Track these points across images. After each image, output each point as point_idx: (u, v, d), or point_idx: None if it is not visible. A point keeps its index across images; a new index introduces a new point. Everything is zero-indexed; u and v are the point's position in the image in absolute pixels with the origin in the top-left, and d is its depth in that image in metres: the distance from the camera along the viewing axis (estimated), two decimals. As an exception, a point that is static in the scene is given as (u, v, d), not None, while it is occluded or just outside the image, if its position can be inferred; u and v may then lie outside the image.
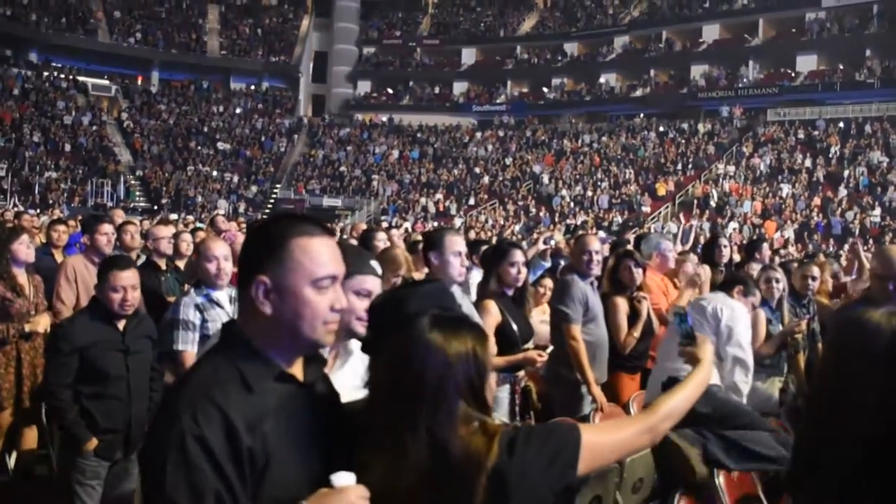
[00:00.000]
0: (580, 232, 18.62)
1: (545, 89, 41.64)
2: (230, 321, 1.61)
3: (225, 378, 1.45)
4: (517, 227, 26.97)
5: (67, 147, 33.41)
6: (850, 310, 2.04)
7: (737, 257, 7.63)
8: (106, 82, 40.52)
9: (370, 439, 1.51)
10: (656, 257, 5.43)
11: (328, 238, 1.57)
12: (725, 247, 6.48)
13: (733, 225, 25.21)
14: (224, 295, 3.96)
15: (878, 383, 1.68)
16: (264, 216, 29.93)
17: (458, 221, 29.18)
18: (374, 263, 2.38)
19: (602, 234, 20.67)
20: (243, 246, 1.60)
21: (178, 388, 1.50)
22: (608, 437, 1.64)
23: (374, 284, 2.45)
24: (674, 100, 36.59)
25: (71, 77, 38.53)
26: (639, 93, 38.50)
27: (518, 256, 4.08)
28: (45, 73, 37.92)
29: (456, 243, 3.73)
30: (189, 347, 3.77)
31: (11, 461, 4.99)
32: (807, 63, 34.25)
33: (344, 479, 1.42)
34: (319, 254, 1.53)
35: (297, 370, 1.57)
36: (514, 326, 4.00)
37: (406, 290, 1.65)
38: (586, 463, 1.55)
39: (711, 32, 37.70)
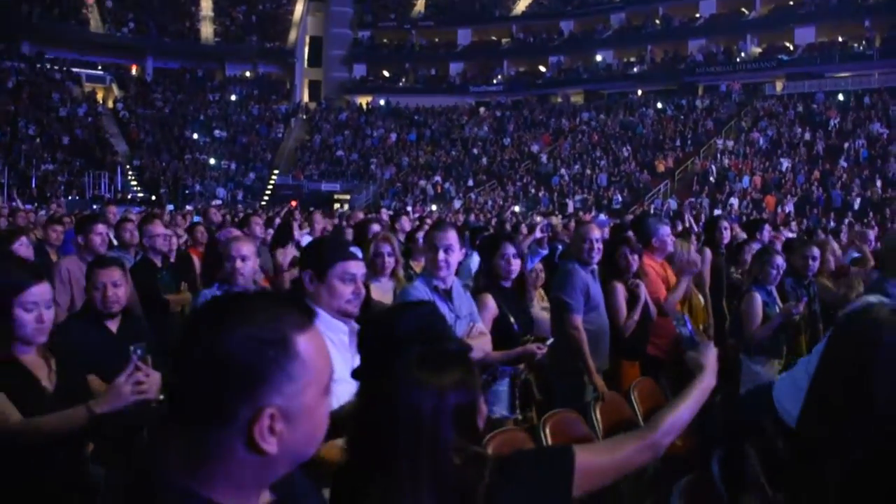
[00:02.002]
0: (580, 215, 18.58)
1: (542, 68, 41.38)
2: (155, 476, 1.07)
3: None
4: (517, 208, 26.89)
5: (64, 139, 33.29)
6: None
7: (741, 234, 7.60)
8: (100, 72, 40.32)
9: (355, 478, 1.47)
10: (654, 242, 5.39)
11: (312, 321, 1.12)
12: (726, 228, 6.47)
13: (733, 200, 25.14)
14: None
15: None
16: (262, 204, 29.91)
17: (457, 203, 29.11)
18: (355, 249, 2.44)
19: (602, 216, 20.65)
20: (192, 360, 1.05)
21: None
22: (605, 458, 1.60)
23: (357, 268, 2.67)
24: (672, 76, 36.36)
25: (64, 68, 38.33)
26: (636, 70, 38.26)
27: (508, 249, 4.05)
28: (38, 66, 37.70)
29: (439, 238, 3.63)
30: None
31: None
32: (805, 35, 33.99)
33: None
34: (325, 350, 1.11)
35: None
36: (512, 319, 3.98)
37: (396, 314, 1.62)
38: (582, 485, 1.51)
39: (708, 7, 37.43)
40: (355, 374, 1.60)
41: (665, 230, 5.47)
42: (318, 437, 1.11)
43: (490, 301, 3.89)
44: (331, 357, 1.12)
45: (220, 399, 1.01)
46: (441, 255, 3.55)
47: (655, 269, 5.25)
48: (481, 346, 3.35)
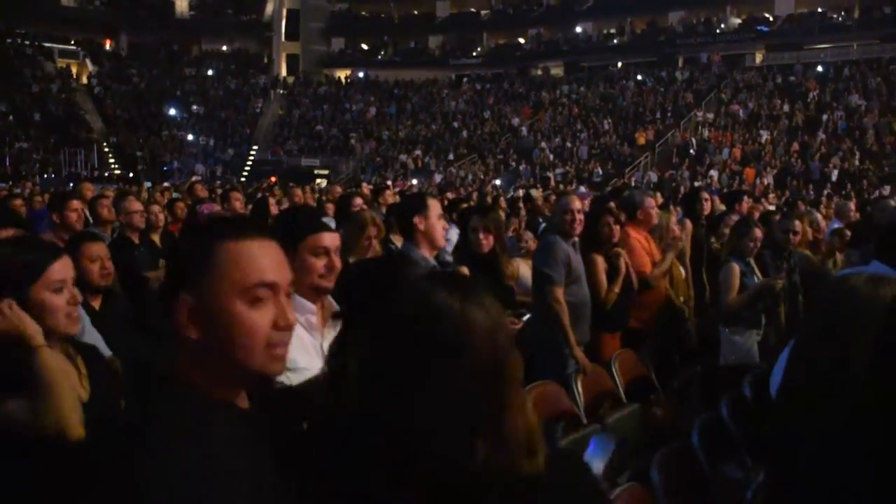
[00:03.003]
0: (560, 189, 18.59)
1: (521, 40, 41.12)
2: (161, 365, 1.32)
3: (170, 458, 1.16)
4: (498, 181, 26.85)
5: (37, 116, 32.70)
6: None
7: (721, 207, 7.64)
8: (73, 48, 39.55)
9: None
10: (640, 214, 5.39)
11: (266, 241, 1.30)
12: (706, 200, 6.49)
13: (713, 172, 25.26)
14: None
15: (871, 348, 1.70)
16: (242, 178, 29.68)
17: (437, 177, 29.02)
18: (327, 219, 2.34)
19: (583, 188, 20.67)
20: (168, 260, 1.35)
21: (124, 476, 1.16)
22: None
23: (331, 240, 2.41)
24: (652, 48, 36.27)
25: (36, 43, 37.53)
26: (616, 41, 38.11)
27: (475, 222, 4.11)
28: (9, 40, 36.88)
29: (438, 207, 3.74)
30: None
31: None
32: (785, 6, 33.97)
33: None
34: (252, 259, 1.26)
35: (242, 398, 1.32)
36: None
37: (384, 261, 1.59)
38: None
39: (689, -23, 37.26)
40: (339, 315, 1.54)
41: (650, 202, 5.48)
42: (246, 342, 1.24)
43: (464, 272, 3.91)
44: (254, 267, 1.26)
45: (168, 287, 1.28)
46: (438, 221, 3.63)
47: (640, 242, 5.26)
48: None
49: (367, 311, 1.43)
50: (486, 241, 4.15)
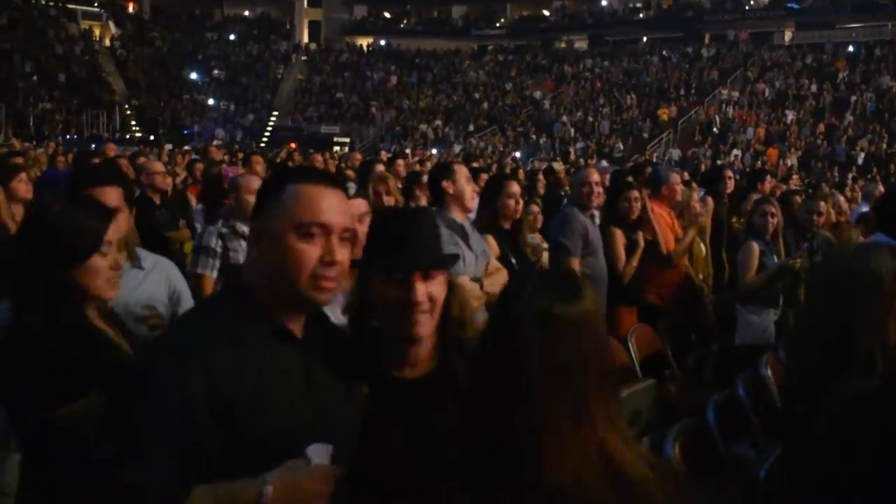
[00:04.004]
0: (581, 163, 18.45)
1: (546, 12, 40.57)
2: (236, 268, 1.64)
3: (217, 327, 1.42)
4: (517, 154, 26.69)
5: (60, 77, 32.81)
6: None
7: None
8: (96, 10, 39.51)
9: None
10: (664, 190, 5.34)
11: (331, 188, 1.48)
12: (731, 178, 6.41)
13: (736, 152, 24.94)
14: None
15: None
16: (262, 144, 29.73)
17: (457, 148, 28.89)
18: (350, 184, 2.41)
19: (605, 162, 20.50)
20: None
21: (172, 330, 1.53)
22: None
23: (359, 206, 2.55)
24: (678, 23, 35.66)
25: (60, 4, 37.54)
26: (642, 16, 37.51)
27: (514, 188, 4.07)
28: (33, 2, 36.90)
29: (465, 170, 3.85)
30: (208, 272, 3.86)
31: None
32: (818, -18, 33.22)
33: (318, 451, 1.33)
34: (311, 200, 1.44)
35: (297, 326, 1.50)
36: (514, 260, 4.01)
37: (400, 209, 1.62)
38: None
39: (719, -49, 36.47)
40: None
41: (675, 178, 5.43)
42: (293, 270, 1.42)
43: (493, 242, 3.90)
44: (311, 207, 1.43)
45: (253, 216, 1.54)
46: (467, 185, 3.69)
47: (664, 218, 5.22)
48: (499, 280, 3.39)
49: (383, 256, 1.56)
50: (520, 209, 4.18)
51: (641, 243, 4.82)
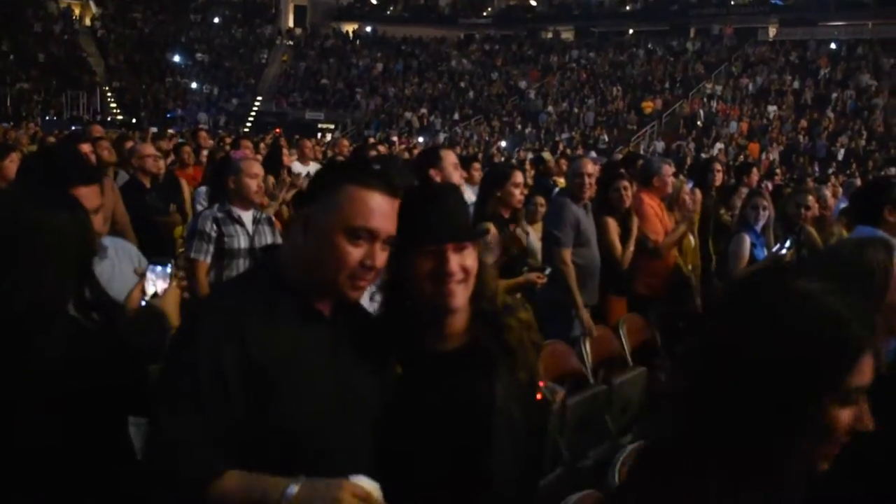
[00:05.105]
0: (568, 153, 18.50)
1: (533, 2, 40.52)
2: (273, 245, 1.70)
3: (250, 302, 1.49)
4: (503, 143, 26.70)
5: (40, 57, 32.29)
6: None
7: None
8: (76, -13, 38.91)
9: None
10: (655, 182, 5.37)
11: (385, 195, 1.52)
12: (719, 171, 6.44)
13: (719, 145, 25.12)
14: (249, 215, 3.99)
15: None
16: (246, 129, 29.51)
17: (442, 137, 28.85)
18: None
19: (593, 153, 20.57)
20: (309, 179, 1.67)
21: (207, 303, 1.59)
22: None
23: None
24: (664, 16, 35.78)
25: (38, -19, 36.89)
26: (628, 8, 37.59)
27: (520, 178, 4.10)
28: (11, -23, 36.22)
29: (452, 156, 3.83)
30: (202, 257, 3.83)
31: None
32: (802, -20, 33.44)
33: (363, 482, 1.37)
34: (364, 204, 1.49)
35: (326, 307, 1.57)
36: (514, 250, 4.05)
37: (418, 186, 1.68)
38: None
39: (705, -54, 36.58)
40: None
41: (667, 170, 5.44)
42: (334, 266, 1.49)
43: (493, 229, 3.91)
44: (363, 212, 1.48)
45: (301, 200, 1.65)
46: (454, 171, 3.74)
47: (654, 210, 5.25)
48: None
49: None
50: (522, 199, 4.20)
51: (636, 231, 4.87)
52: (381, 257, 1.52)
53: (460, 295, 1.62)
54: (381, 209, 1.51)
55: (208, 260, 3.84)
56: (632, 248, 4.84)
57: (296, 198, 5.22)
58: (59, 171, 2.20)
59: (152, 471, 1.43)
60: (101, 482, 1.59)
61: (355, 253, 1.49)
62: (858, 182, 9.44)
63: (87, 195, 2.06)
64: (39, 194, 1.66)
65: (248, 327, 1.45)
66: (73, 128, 19.76)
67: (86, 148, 5.26)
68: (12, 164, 4.57)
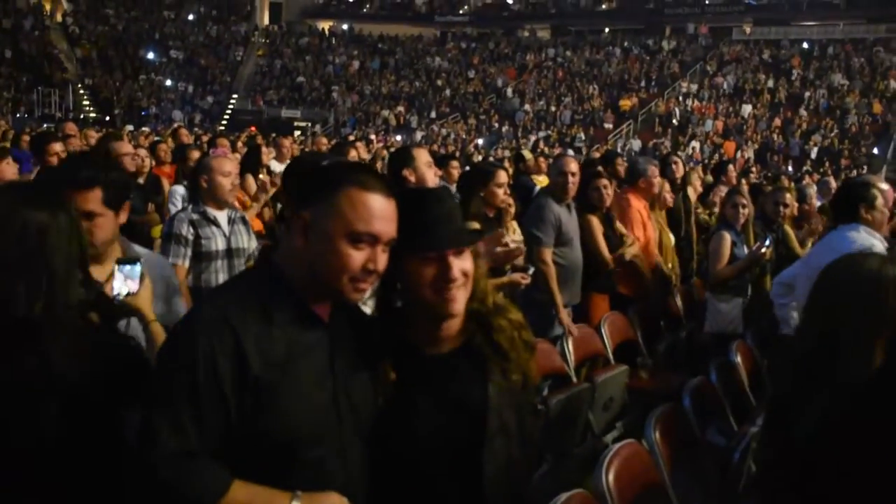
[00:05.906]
0: (546, 151, 18.55)
1: (509, 1, 40.60)
2: (270, 247, 1.61)
3: (247, 305, 1.47)
4: (480, 141, 26.73)
5: (7, 53, 31.73)
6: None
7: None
8: (47, -17, 38.26)
9: None
10: (641, 182, 5.37)
11: (385, 196, 1.51)
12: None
13: (694, 143, 25.35)
14: (224, 215, 3.88)
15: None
16: (221, 128, 29.25)
17: (419, 135, 28.81)
18: None
19: (571, 151, 20.67)
20: (299, 179, 1.66)
21: (203, 305, 1.53)
22: None
23: None
24: (639, 15, 36.04)
25: (8, -24, 36.24)
26: (604, 7, 37.80)
27: (503, 177, 4.06)
28: (-20, -28, 35.59)
29: (425, 155, 3.78)
30: (180, 261, 3.71)
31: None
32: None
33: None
34: (367, 208, 1.48)
35: (324, 310, 1.56)
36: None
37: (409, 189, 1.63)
38: None
39: (680, -55, 36.86)
40: None
41: (653, 171, 5.44)
42: (337, 270, 1.47)
43: (505, 233, 3.88)
44: (366, 217, 1.47)
45: (294, 201, 1.60)
46: (427, 170, 3.67)
47: (640, 212, 5.26)
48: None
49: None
50: (506, 198, 4.17)
51: (629, 244, 4.89)
52: (382, 260, 1.51)
53: (461, 299, 1.62)
54: (382, 212, 1.50)
55: (186, 263, 3.74)
56: (628, 256, 4.86)
57: (275, 196, 5.17)
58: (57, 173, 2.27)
59: (156, 485, 1.39)
60: (101, 482, 1.57)
61: (358, 257, 1.48)
62: (832, 181, 9.56)
63: (86, 199, 2.09)
64: (38, 195, 1.63)
65: (245, 332, 1.43)
66: (45, 125, 19.45)
67: (57, 147, 5.17)
68: (8, 166, 4.50)
